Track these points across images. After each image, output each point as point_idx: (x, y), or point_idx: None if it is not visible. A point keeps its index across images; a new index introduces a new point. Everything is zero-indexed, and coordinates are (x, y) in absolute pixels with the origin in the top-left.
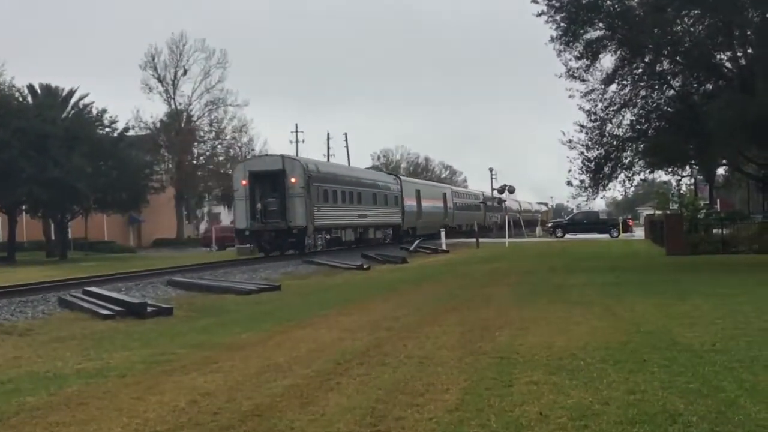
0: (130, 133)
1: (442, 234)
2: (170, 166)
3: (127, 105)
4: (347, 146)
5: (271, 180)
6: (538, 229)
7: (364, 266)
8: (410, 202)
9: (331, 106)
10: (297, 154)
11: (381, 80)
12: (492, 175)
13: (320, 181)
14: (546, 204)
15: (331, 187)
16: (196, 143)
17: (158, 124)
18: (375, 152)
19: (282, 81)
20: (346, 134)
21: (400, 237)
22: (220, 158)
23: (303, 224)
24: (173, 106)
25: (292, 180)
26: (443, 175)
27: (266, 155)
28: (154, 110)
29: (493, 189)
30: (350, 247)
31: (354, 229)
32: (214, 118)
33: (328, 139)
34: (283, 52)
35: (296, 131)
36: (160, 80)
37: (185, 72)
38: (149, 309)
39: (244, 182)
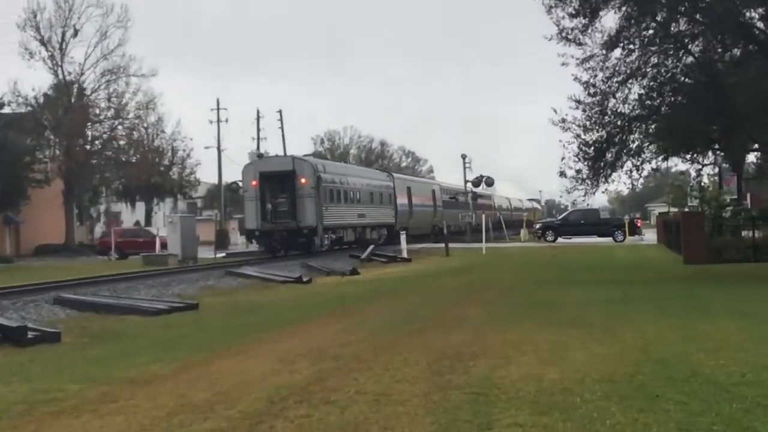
0: (5, 110)
1: (402, 239)
2: (57, 152)
3: (1, 75)
4: (282, 127)
5: (280, 180)
6: (524, 232)
7: (305, 279)
8: (402, 201)
9: (261, 78)
10: (218, 135)
11: (324, 50)
12: (465, 163)
13: (327, 182)
14: (537, 201)
15: (336, 187)
16: (90, 124)
17: (41, 100)
18: (317, 135)
19: (199, 46)
20: (280, 112)
21: (393, 237)
22: (121, 143)
23: (313, 224)
24: (61, 77)
25: (302, 180)
26: (404, 164)
27: (276, 156)
28: (37, 81)
29: (466, 181)
30: (350, 247)
31: (354, 229)
32: (113, 92)
33: (258, 118)
34: (201, 11)
35: (218, 108)
36: (43, 43)
37: (76, 33)
38: (31, 334)
39: (254, 183)
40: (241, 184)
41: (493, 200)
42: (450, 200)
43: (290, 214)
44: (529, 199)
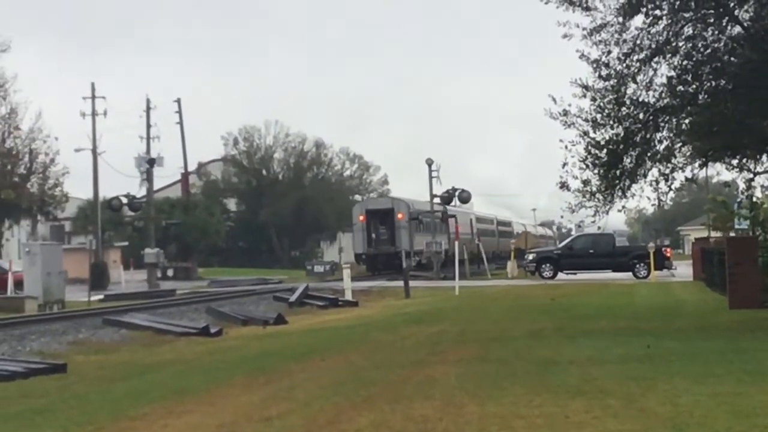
0: None
1: (346, 276)
2: None
3: None
4: (181, 122)
5: (381, 216)
6: (511, 266)
7: (213, 330)
8: (451, 230)
9: (150, 58)
10: (94, 133)
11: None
12: (431, 172)
13: (414, 216)
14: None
15: (417, 221)
16: None
17: None
18: (229, 133)
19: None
20: (179, 102)
21: (446, 262)
22: None
23: (408, 249)
24: None
25: (399, 216)
26: (348, 172)
27: (379, 197)
28: None
29: (433, 196)
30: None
31: (422, 255)
32: None
33: (149, 110)
34: None
35: (92, 97)
36: None
37: None
38: None
39: (361, 218)
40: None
41: (472, 221)
42: (486, 228)
43: (389, 241)
44: (541, 224)
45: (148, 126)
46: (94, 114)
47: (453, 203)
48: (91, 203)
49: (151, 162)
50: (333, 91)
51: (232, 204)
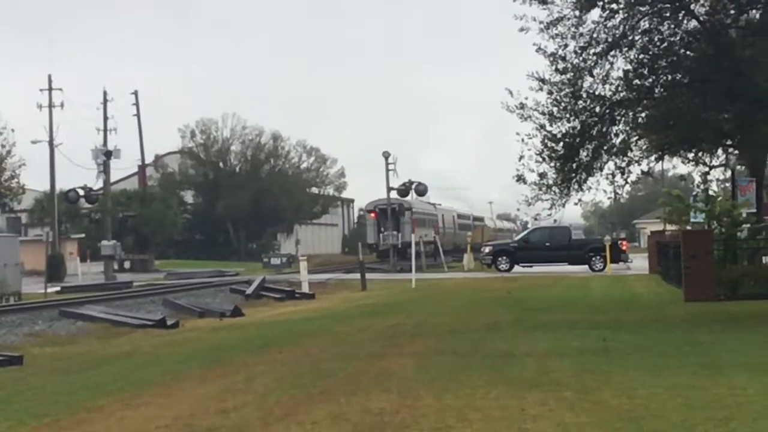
0: None
1: (303, 268)
2: None
3: None
4: (138, 114)
5: (388, 213)
6: (467, 258)
7: (169, 322)
8: (440, 224)
9: (107, 49)
10: (51, 125)
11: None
12: (388, 164)
13: (419, 213)
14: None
15: (419, 218)
16: None
17: None
18: (186, 125)
19: (22, 6)
20: (136, 94)
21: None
22: None
23: (408, 241)
24: None
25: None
26: (305, 164)
27: (388, 199)
28: None
29: (390, 188)
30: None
31: (423, 245)
32: None
33: (106, 102)
34: None
35: (49, 89)
36: None
37: None
38: None
39: (373, 215)
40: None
41: (455, 217)
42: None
43: (395, 235)
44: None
45: (105, 118)
46: (51, 106)
47: (427, 198)
48: (48, 195)
49: (108, 154)
50: (289, 84)
51: (189, 196)
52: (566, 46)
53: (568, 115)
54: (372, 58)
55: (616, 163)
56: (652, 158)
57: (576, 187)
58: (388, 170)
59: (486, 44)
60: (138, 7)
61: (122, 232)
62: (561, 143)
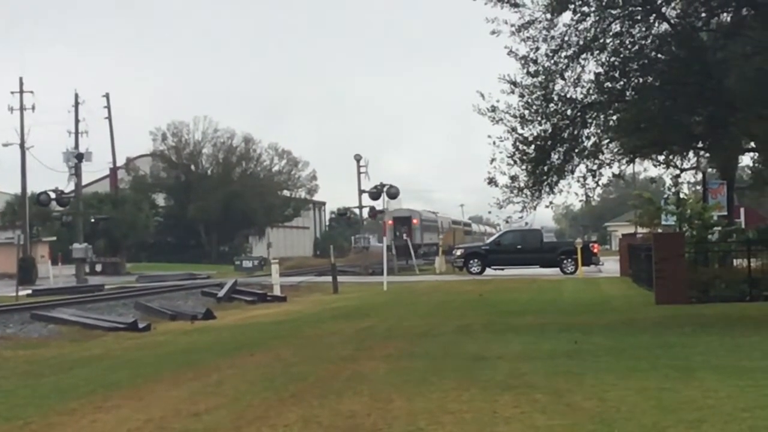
0: None
1: (275, 271)
2: None
3: None
4: (110, 117)
5: (402, 221)
6: (439, 261)
7: (141, 325)
8: (440, 229)
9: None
10: (22, 128)
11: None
12: (359, 168)
13: (424, 221)
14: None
15: (425, 224)
16: None
17: None
18: (158, 128)
19: None
20: (107, 97)
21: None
22: None
23: (420, 243)
24: None
25: (414, 221)
26: (276, 167)
27: (402, 209)
28: None
29: (362, 191)
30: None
31: (428, 246)
32: None
33: (77, 104)
34: None
35: (20, 91)
36: None
37: None
38: None
39: (390, 222)
40: None
41: (450, 223)
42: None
43: (408, 237)
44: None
45: (77, 121)
46: (22, 108)
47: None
48: (19, 198)
49: (80, 157)
50: (260, 87)
51: (160, 199)
52: (537, 49)
53: (539, 118)
54: (342, 61)
55: (587, 166)
56: (624, 161)
57: (547, 189)
58: (359, 173)
59: (456, 47)
60: (108, 10)
61: (94, 235)
62: (532, 146)
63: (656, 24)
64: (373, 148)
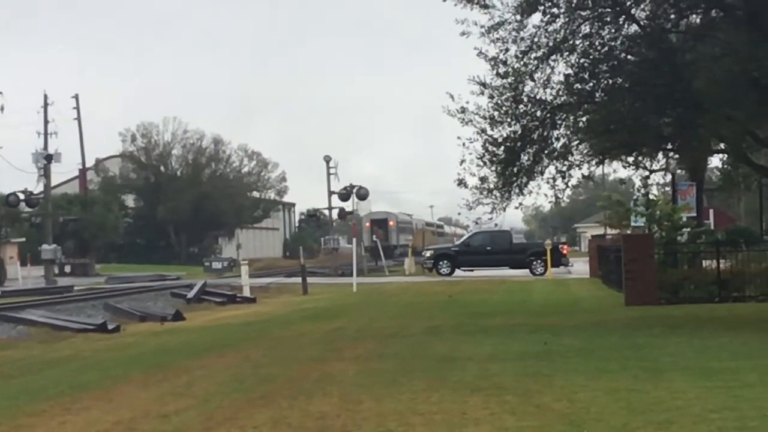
0: None
1: (244, 273)
2: None
3: None
4: (79, 118)
5: (380, 222)
6: (408, 263)
7: (110, 326)
8: (414, 230)
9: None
10: None
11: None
12: (329, 169)
13: (400, 223)
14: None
15: (401, 226)
16: None
17: None
18: (127, 129)
19: None
20: (77, 98)
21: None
22: None
23: (396, 244)
24: None
25: (391, 223)
26: (246, 168)
27: (380, 211)
28: None
29: (331, 193)
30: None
31: (404, 247)
32: None
33: (46, 105)
34: None
35: None
36: None
37: None
38: None
39: (368, 224)
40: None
41: (423, 225)
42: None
43: (385, 238)
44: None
45: (46, 122)
46: None
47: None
48: None
49: (49, 158)
50: (230, 89)
51: (130, 200)
52: (507, 50)
53: (509, 120)
54: (310, 62)
55: (556, 167)
56: (593, 162)
57: (517, 191)
58: (329, 174)
59: (425, 48)
60: (75, 11)
61: (63, 237)
62: (502, 147)
63: (626, 25)
64: (342, 150)
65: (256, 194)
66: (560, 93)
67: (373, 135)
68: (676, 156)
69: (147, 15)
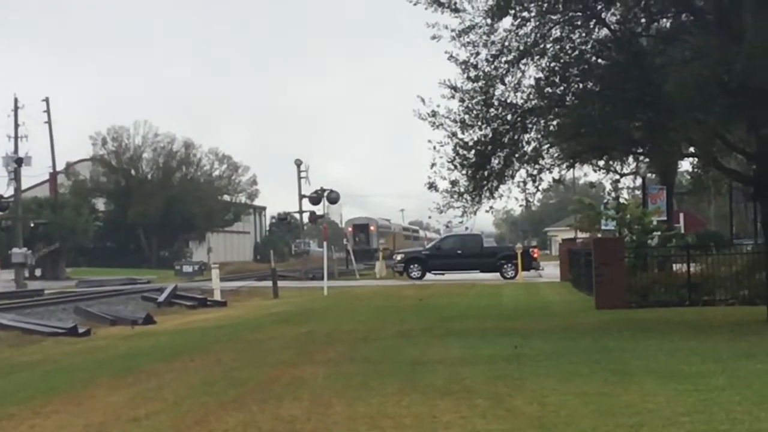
0: None
1: (215, 276)
2: None
3: None
4: (50, 122)
5: (361, 227)
6: (379, 266)
7: (81, 330)
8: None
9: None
10: None
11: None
12: (300, 172)
13: (380, 228)
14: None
15: (382, 231)
16: None
17: None
18: (98, 132)
19: None
20: (47, 101)
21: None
22: None
23: (377, 248)
24: None
25: (372, 228)
26: (217, 172)
27: (361, 216)
28: None
29: (302, 196)
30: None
31: (383, 251)
32: None
33: (16, 108)
34: None
35: None
36: None
37: None
38: None
39: (350, 229)
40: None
41: (401, 229)
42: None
43: (366, 242)
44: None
45: (16, 125)
46: None
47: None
48: None
49: (19, 161)
50: (199, 92)
51: (100, 204)
52: (478, 54)
53: (479, 123)
54: (279, 64)
55: (527, 171)
56: (564, 166)
57: (487, 194)
58: (300, 178)
59: (395, 51)
60: (48, 14)
61: (33, 240)
62: (473, 151)
63: (596, 29)
64: (312, 153)
65: (226, 198)
66: (531, 97)
67: (344, 138)
68: (647, 159)
69: (117, 18)
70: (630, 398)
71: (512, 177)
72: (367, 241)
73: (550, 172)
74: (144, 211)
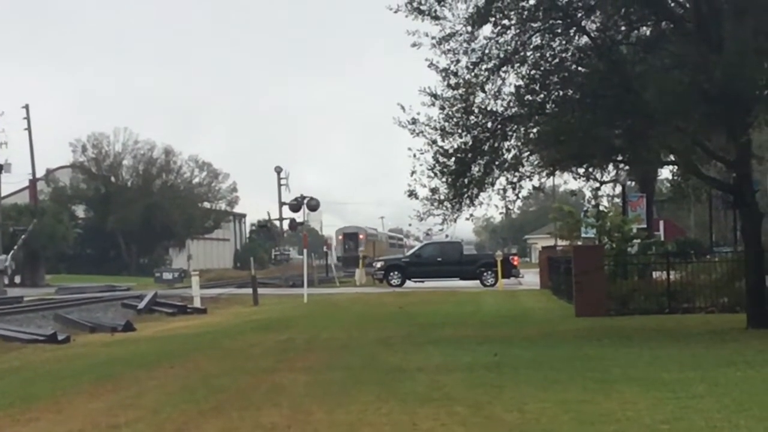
0: None
1: (195, 283)
2: None
3: None
4: (30, 128)
5: (351, 236)
6: (359, 273)
7: (60, 337)
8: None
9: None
10: None
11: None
12: (280, 180)
13: (370, 236)
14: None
15: (371, 239)
16: None
17: None
18: (77, 139)
19: None
20: (27, 108)
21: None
22: None
23: (366, 255)
24: None
25: (361, 236)
26: (197, 179)
27: (351, 225)
28: None
29: (282, 203)
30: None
31: (362, 258)
32: None
33: None
34: None
35: None
36: None
37: None
38: None
39: (340, 237)
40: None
41: (387, 237)
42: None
43: (355, 250)
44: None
45: None
46: None
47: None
48: None
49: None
50: (180, 99)
51: (80, 211)
52: (458, 61)
53: (460, 131)
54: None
55: (507, 179)
56: (544, 173)
57: (468, 202)
58: (280, 185)
59: (375, 59)
60: (27, 21)
61: (12, 247)
62: (453, 158)
63: (576, 37)
64: (291, 160)
65: (206, 205)
66: (511, 104)
67: (322, 146)
68: (627, 167)
69: (97, 25)
70: (610, 406)
71: (492, 184)
72: (356, 249)
73: (530, 180)
74: (124, 218)
